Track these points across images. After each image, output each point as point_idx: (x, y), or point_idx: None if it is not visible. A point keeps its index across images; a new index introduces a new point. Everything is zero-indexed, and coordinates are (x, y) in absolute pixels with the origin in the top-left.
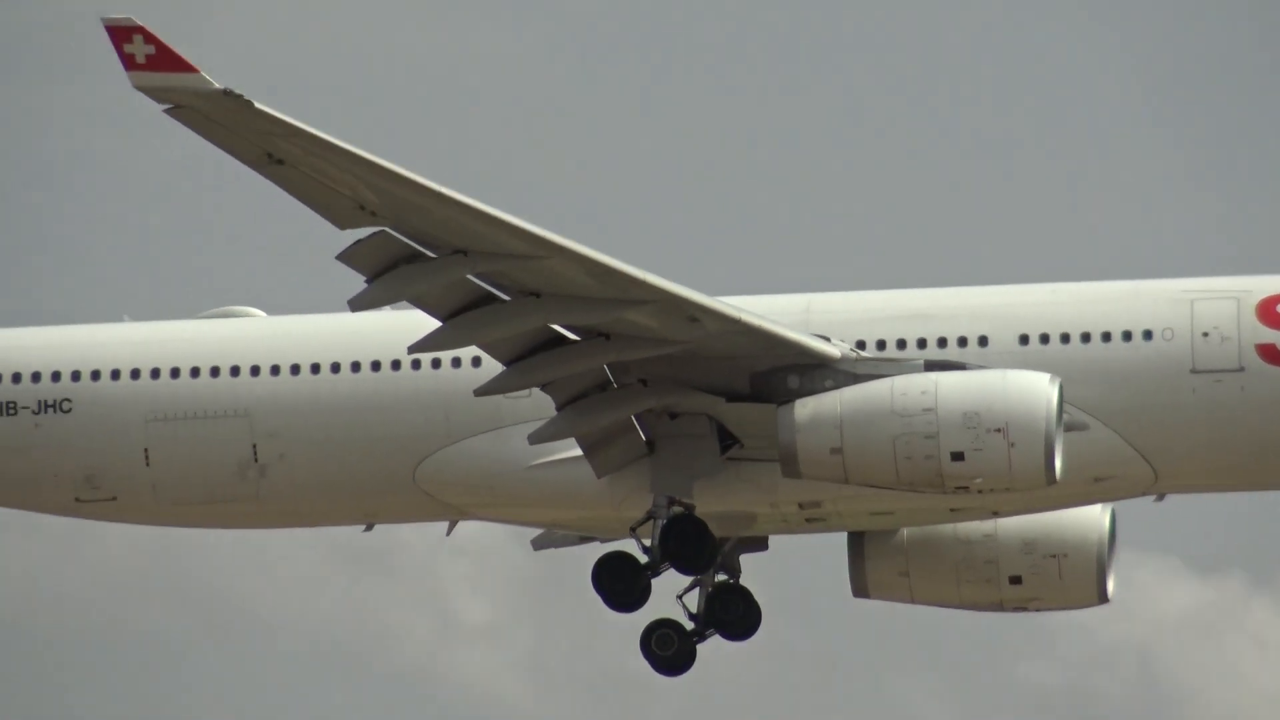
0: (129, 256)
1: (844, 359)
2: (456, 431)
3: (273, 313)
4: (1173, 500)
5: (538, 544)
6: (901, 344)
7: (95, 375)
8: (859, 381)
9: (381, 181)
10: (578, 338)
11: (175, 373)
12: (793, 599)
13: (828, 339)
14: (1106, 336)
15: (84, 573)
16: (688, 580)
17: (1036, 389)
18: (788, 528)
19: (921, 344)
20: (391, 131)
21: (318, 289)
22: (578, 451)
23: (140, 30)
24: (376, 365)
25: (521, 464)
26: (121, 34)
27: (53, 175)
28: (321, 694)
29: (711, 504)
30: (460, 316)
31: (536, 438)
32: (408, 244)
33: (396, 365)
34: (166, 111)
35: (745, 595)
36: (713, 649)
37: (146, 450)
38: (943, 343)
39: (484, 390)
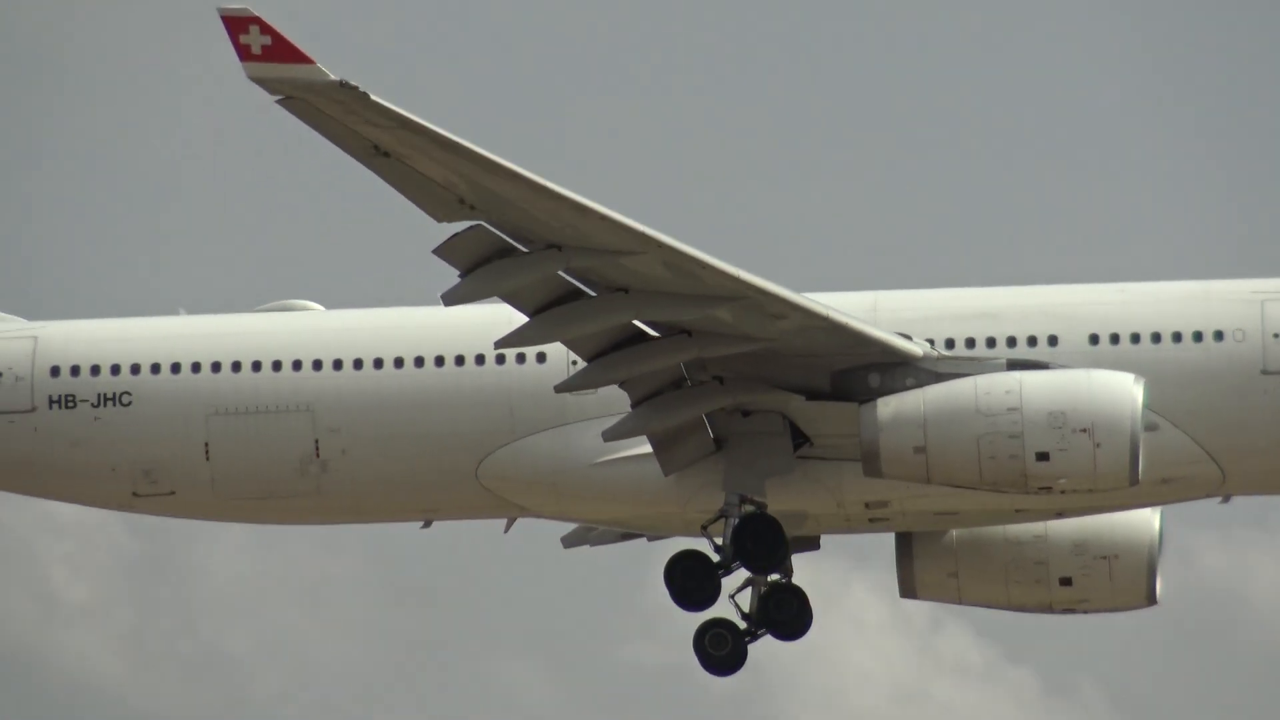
0: (175, 250)
1: (926, 357)
2: (520, 428)
3: (329, 307)
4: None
5: (568, 541)
6: (970, 343)
7: (155, 369)
8: (941, 380)
9: (489, 176)
10: (659, 334)
11: (237, 366)
12: (840, 598)
13: (909, 337)
14: (1177, 337)
15: None
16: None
17: (1122, 389)
18: (848, 526)
19: (990, 343)
20: (482, 124)
21: (373, 282)
22: (643, 448)
23: (257, 21)
24: (440, 360)
25: (586, 461)
26: (238, 24)
27: (96, 167)
28: None
29: (781, 503)
30: (549, 312)
31: (611, 434)
32: (503, 239)
33: (460, 361)
34: (278, 102)
35: (799, 595)
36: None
37: (207, 444)
38: (1012, 342)
39: (565, 386)
